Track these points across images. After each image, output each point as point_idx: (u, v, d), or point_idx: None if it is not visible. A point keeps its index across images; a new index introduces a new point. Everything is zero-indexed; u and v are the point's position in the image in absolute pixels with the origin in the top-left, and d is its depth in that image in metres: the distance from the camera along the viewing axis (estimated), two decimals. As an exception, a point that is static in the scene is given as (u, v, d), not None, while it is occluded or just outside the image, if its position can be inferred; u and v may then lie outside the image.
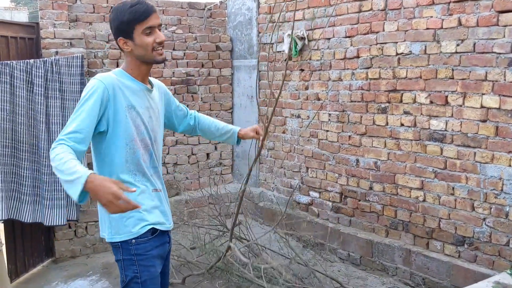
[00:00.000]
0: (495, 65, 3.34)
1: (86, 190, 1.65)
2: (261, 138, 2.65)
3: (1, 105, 3.77)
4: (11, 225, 4.22)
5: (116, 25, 1.98)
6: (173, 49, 5.35)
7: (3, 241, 3.94)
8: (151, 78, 2.21)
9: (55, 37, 4.60)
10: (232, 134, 2.56)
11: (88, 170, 1.70)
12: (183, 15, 5.44)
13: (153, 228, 2.05)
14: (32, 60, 4.02)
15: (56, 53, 4.56)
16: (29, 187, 3.99)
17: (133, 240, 2.00)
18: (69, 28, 4.79)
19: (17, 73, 3.85)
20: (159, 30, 2.01)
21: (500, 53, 3.31)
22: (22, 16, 24.47)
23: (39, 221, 4.07)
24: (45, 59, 4.12)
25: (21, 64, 3.90)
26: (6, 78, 3.80)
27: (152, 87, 2.16)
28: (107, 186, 1.64)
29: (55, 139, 4.09)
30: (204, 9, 5.53)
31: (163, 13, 5.33)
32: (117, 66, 5.02)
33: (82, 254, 4.79)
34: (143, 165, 2.05)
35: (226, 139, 2.59)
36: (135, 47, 1.97)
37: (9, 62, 3.85)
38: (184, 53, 5.41)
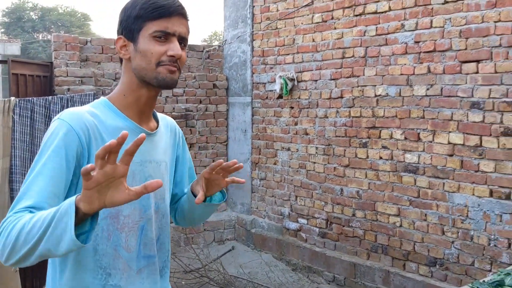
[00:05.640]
0: (459, 107, 3.87)
1: (85, 213, 1.05)
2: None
3: (22, 137, 4.19)
4: (22, 247, 4.57)
5: (121, 19, 1.36)
6: (174, 87, 5.84)
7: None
8: (158, 113, 1.49)
9: (67, 75, 5.07)
10: (190, 195, 1.51)
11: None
12: (183, 56, 5.95)
13: None
14: (50, 96, 4.48)
15: (68, 89, 5.02)
16: (43, 212, 4.37)
17: None
18: (80, 67, 5.26)
19: (37, 108, 4.29)
20: (182, 45, 1.35)
21: (463, 97, 3.84)
22: (14, 48, 24.88)
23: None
24: (62, 96, 4.58)
25: (41, 100, 4.34)
26: (27, 113, 4.23)
27: (157, 127, 1.45)
28: (86, 188, 1.02)
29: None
30: (203, 51, 6.06)
31: (165, 54, 5.84)
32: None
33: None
34: (124, 256, 1.33)
35: (190, 204, 1.52)
36: (135, 55, 1.32)
37: (30, 98, 4.29)
38: (184, 91, 5.91)
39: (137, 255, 1.35)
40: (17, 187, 4.16)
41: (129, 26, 1.33)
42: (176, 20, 1.32)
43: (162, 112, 5.74)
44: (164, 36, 1.31)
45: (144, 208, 1.36)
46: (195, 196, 1.45)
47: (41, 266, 4.73)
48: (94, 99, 4.84)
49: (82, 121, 1.26)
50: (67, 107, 4.54)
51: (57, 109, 4.43)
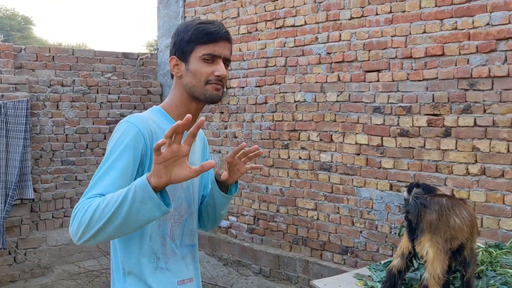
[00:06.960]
0: (364, 111, 4.36)
1: (156, 186, 1.24)
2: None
3: (-46, 142, 4.31)
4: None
5: (174, 41, 1.57)
6: (109, 93, 6.06)
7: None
8: None
9: (1, 82, 5.19)
10: (213, 184, 1.68)
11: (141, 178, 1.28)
12: (118, 64, 6.19)
13: None
14: (-18, 103, 4.60)
15: (2, 96, 5.13)
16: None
17: None
18: (14, 75, 5.38)
19: (-31, 115, 4.41)
20: (226, 66, 1.57)
21: (367, 102, 4.34)
22: None
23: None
24: (-6, 102, 4.70)
25: (-27, 107, 4.47)
26: (-41, 119, 4.35)
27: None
28: (156, 163, 1.22)
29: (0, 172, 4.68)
30: (137, 59, 6.31)
31: (100, 62, 6.05)
32: (57, 108, 5.64)
33: (21, 278, 5.24)
34: (169, 244, 1.54)
35: (216, 197, 1.68)
36: (186, 73, 1.54)
37: (-38, 105, 4.41)
38: (119, 97, 6.13)
39: (180, 243, 1.56)
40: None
41: (182, 48, 1.54)
42: (222, 44, 1.53)
43: (97, 117, 5.95)
44: (211, 58, 1.52)
45: (189, 203, 1.57)
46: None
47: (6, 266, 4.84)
48: (27, 105, 5.00)
49: (147, 126, 1.47)
50: (0, 113, 4.68)
51: (-11, 115, 4.57)
